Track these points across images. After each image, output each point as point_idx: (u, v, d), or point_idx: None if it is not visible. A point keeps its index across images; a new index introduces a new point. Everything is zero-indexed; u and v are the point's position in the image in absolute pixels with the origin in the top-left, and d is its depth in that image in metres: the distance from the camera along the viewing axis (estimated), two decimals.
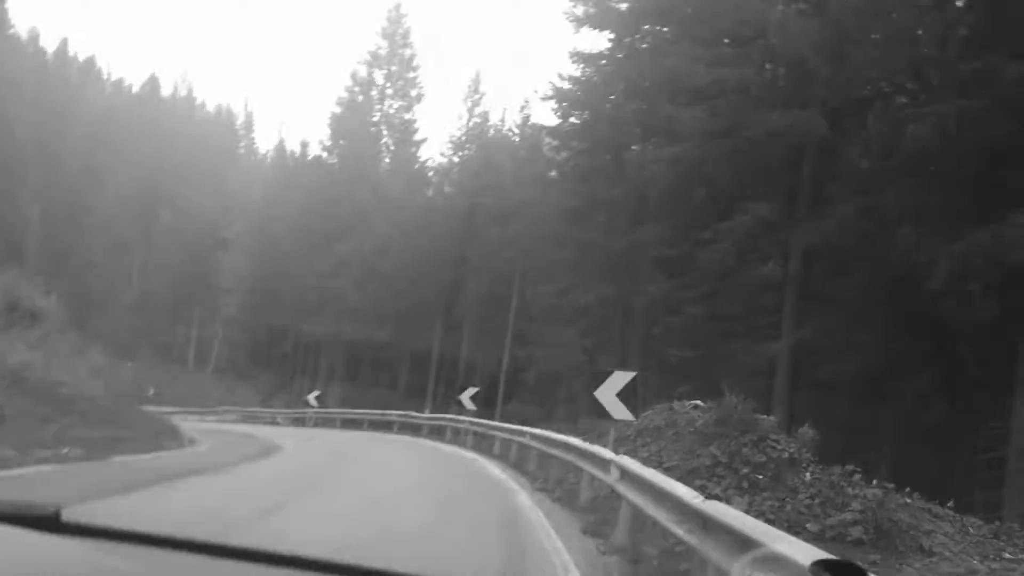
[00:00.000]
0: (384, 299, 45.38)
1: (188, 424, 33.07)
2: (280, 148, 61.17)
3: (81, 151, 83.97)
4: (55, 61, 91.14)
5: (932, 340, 19.62)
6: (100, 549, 1.64)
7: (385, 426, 31.27)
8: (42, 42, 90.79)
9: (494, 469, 17.07)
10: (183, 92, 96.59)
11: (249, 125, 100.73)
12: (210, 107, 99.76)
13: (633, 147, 29.57)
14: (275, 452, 18.34)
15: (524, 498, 12.51)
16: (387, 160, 47.51)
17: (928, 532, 9.83)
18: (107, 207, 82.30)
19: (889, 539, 9.17)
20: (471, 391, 25.34)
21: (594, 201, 30.20)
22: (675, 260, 25.01)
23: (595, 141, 30.55)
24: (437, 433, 27.42)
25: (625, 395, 11.43)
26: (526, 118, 46.50)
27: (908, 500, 10.72)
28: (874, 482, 10.52)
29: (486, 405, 29.78)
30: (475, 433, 22.91)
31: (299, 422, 36.71)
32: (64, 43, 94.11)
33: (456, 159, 45.83)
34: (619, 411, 11.48)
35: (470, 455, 20.56)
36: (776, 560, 3.83)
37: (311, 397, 36.52)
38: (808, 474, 10.56)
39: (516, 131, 46.42)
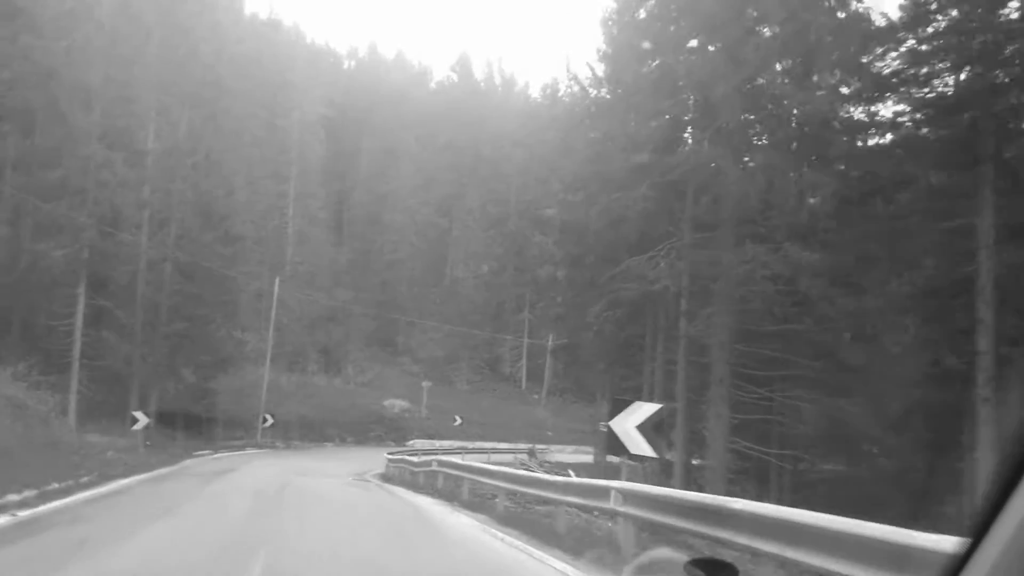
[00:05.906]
0: None
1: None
2: None
3: (380, 137, 72.60)
4: (369, 59, 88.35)
5: None
6: None
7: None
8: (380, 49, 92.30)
9: None
10: (496, 73, 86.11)
11: None
12: (534, 90, 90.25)
13: None
14: None
15: None
16: None
17: None
18: (407, 194, 68.29)
19: None
20: None
21: None
22: None
23: None
24: None
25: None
26: None
27: None
28: None
29: None
30: None
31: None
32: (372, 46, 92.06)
33: None
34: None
35: None
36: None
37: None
38: None
39: None
